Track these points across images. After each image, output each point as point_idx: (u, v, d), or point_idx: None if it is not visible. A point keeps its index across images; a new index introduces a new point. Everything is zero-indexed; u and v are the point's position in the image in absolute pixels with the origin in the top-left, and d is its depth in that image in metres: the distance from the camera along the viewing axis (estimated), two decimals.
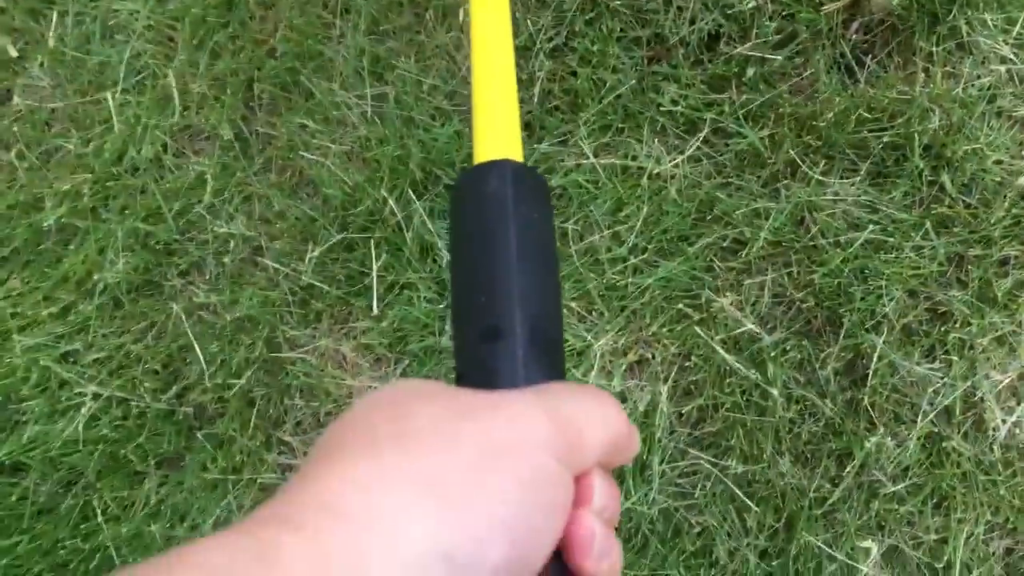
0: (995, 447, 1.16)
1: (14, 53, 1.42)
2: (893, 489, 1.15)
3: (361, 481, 0.32)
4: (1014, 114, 1.22)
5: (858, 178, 1.22)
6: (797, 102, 1.23)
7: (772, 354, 1.18)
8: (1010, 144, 1.21)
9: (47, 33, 1.42)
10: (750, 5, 1.23)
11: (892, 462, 1.16)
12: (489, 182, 0.44)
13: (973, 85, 1.23)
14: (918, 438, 1.16)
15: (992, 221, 1.17)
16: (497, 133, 0.47)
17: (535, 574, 0.34)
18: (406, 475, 0.33)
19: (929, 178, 1.20)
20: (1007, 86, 1.23)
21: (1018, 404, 1.17)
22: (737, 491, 1.17)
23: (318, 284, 1.28)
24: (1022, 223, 1.18)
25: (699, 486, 1.19)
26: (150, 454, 1.29)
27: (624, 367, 1.22)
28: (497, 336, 0.40)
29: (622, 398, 1.21)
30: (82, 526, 1.28)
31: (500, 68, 0.51)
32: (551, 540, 0.35)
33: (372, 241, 1.27)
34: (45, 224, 1.34)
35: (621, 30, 1.27)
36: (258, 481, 1.26)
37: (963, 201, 1.20)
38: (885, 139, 1.20)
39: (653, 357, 1.22)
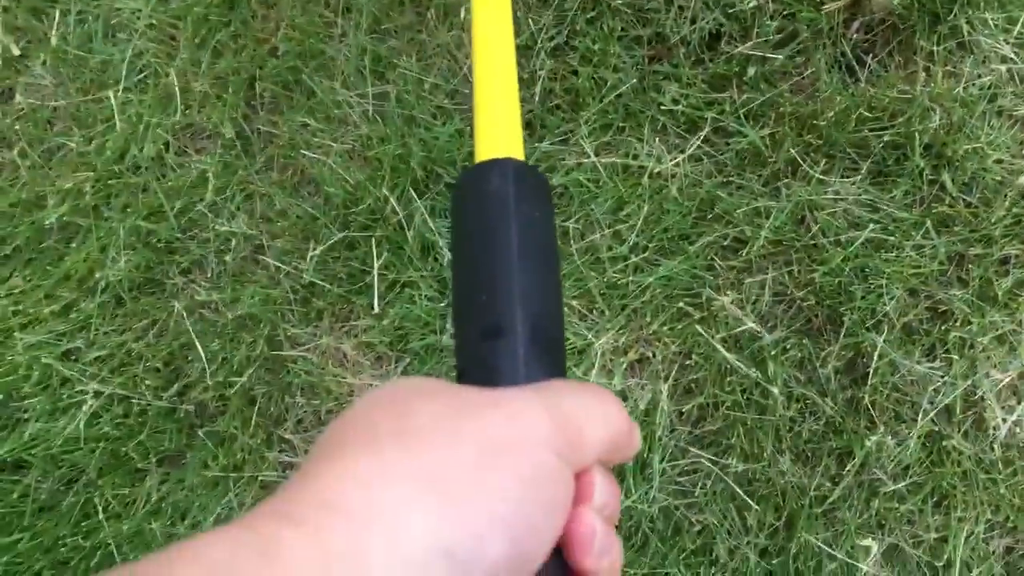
0: (995, 446, 1.16)
1: (16, 51, 1.42)
2: (893, 488, 1.16)
3: (362, 478, 0.33)
4: (1015, 113, 1.22)
5: (859, 177, 1.22)
6: (798, 101, 1.23)
7: (773, 353, 1.18)
8: (1011, 143, 1.21)
9: (49, 32, 1.42)
10: (751, 4, 1.23)
11: (892, 461, 1.16)
12: (491, 180, 0.44)
13: (974, 84, 1.23)
14: (918, 437, 1.16)
15: (993, 220, 1.17)
16: (498, 131, 0.47)
17: (535, 571, 0.34)
18: (407, 471, 0.33)
19: (930, 177, 1.20)
20: (1008, 85, 1.23)
21: (1018, 403, 1.17)
22: (737, 489, 1.17)
23: (319, 282, 1.28)
24: (1022, 222, 1.18)
25: (699, 484, 1.19)
26: (151, 452, 1.29)
27: (625, 365, 1.22)
28: (498, 334, 0.40)
29: (623, 396, 1.21)
30: (83, 524, 1.28)
31: (501, 67, 0.51)
32: (551, 537, 0.35)
33: (373, 239, 1.27)
34: (47, 222, 1.35)
35: (622, 29, 1.27)
36: (259, 479, 1.26)
37: (964, 200, 1.20)
38: (886, 138, 1.20)
39: (654, 355, 1.22)
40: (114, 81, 1.39)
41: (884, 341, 1.17)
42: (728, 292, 1.21)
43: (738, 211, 1.21)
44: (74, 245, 1.35)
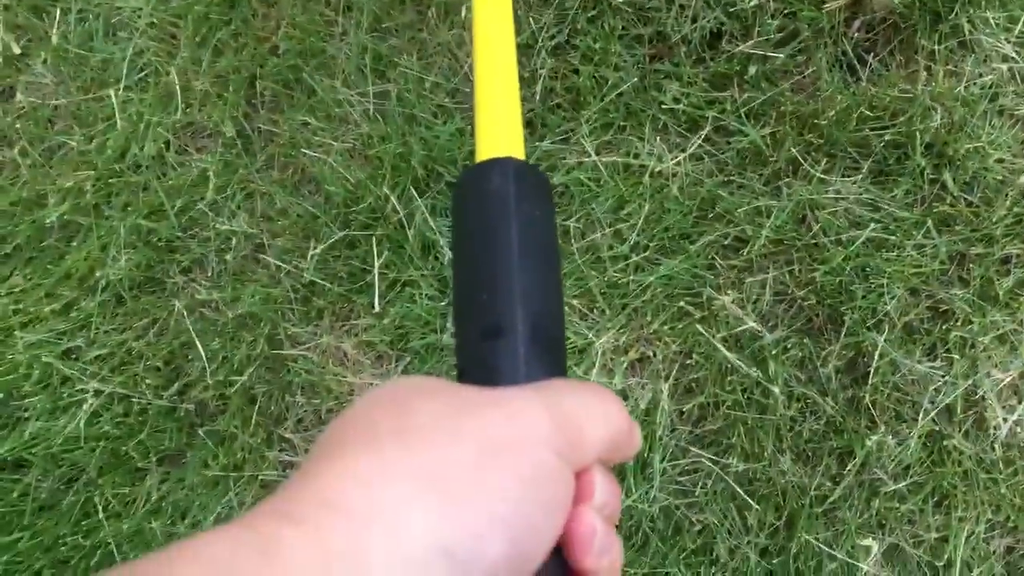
0: (996, 445, 1.16)
1: (17, 50, 1.42)
2: (894, 487, 1.16)
3: (362, 476, 0.33)
4: (1016, 112, 1.22)
5: (860, 176, 1.22)
6: (799, 100, 1.23)
7: (773, 352, 1.18)
8: (1012, 142, 1.21)
9: (50, 30, 1.42)
10: (752, 3, 1.23)
11: (893, 460, 1.16)
12: (491, 180, 0.44)
13: (975, 83, 1.23)
14: (919, 436, 1.16)
15: (994, 219, 1.17)
16: (499, 131, 0.47)
17: (535, 570, 0.34)
18: (407, 470, 0.33)
19: (931, 176, 1.20)
20: (1009, 84, 1.23)
21: (1019, 403, 1.17)
22: (738, 489, 1.17)
23: (320, 281, 1.28)
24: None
25: (700, 484, 1.19)
26: (151, 451, 1.29)
27: (625, 365, 1.22)
28: (499, 334, 0.40)
29: (623, 396, 1.21)
30: (83, 523, 1.28)
31: (502, 66, 0.51)
32: (551, 536, 0.35)
33: (374, 238, 1.27)
34: (48, 221, 1.35)
35: (623, 28, 1.27)
36: (259, 478, 1.26)
37: (965, 199, 1.20)
38: (887, 137, 1.20)
39: (654, 355, 1.22)
40: (115, 80, 1.39)
41: (885, 340, 1.17)
42: (729, 291, 1.21)
43: (739, 210, 1.21)
44: (75, 244, 1.35)
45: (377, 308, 1.27)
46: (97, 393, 1.30)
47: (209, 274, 1.33)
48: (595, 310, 1.23)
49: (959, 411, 1.16)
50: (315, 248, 1.29)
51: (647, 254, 1.22)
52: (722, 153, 1.24)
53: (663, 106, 1.25)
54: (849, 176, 1.22)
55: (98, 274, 1.32)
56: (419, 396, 0.36)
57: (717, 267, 1.22)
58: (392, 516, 0.31)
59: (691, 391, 1.21)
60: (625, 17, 1.26)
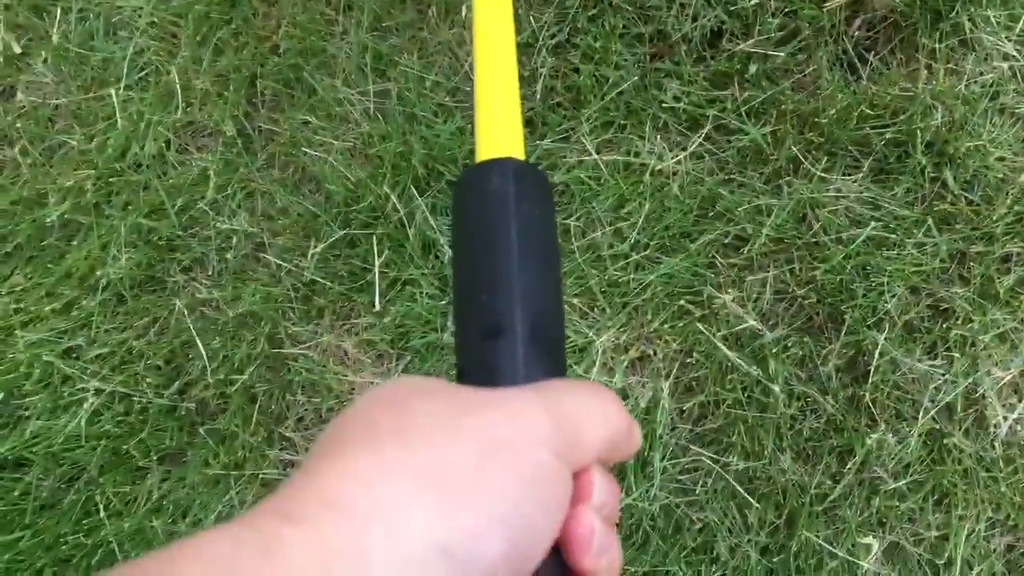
0: (996, 444, 1.16)
1: (18, 49, 1.43)
2: (894, 486, 1.16)
3: (362, 475, 0.33)
4: (1016, 111, 1.22)
5: (860, 175, 1.22)
6: (799, 99, 1.23)
7: (774, 350, 1.18)
8: (1012, 141, 1.21)
9: (51, 29, 1.42)
10: (753, 2, 1.23)
11: (893, 459, 1.16)
12: (491, 180, 0.44)
13: (976, 82, 1.23)
14: (919, 435, 1.16)
15: (994, 218, 1.17)
16: (499, 131, 0.47)
17: (533, 570, 0.34)
18: (407, 469, 0.33)
19: (931, 175, 1.20)
20: (1010, 83, 1.23)
21: (1019, 401, 1.17)
22: (738, 487, 1.17)
23: (320, 280, 1.28)
24: None
25: (700, 482, 1.19)
26: (152, 450, 1.29)
27: (626, 363, 1.22)
28: (498, 334, 0.40)
29: (623, 394, 1.21)
30: (84, 521, 1.28)
31: (502, 66, 0.51)
32: (549, 536, 0.35)
33: (374, 237, 1.27)
34: (48, 220, 1.35)
35: (624, 26, 1.27)
36: (260, 477, 1.27)
37: (965, 198, 1.20)
38: (887, 136, 1.20)
39: (655, 353, 1.22)
40: (115, 79, 1.39)
41: (885, 339, 1.17)
42: (729, 290, 1.21)
43: (739, 209, 1.21)
44: (75, 243, 1.35)
45: (378, 307, 1.27)
46: (98, 392, 1.30)
47: (210, 273, 1.33)
48: (595, 309, 1.23)
49: (959, 409, 1.16)
50: (316, 247, 1.29)
51: (647, 253, 1.22)
52: (723, 152, 1.24)
53: (664, 105, 1.25)
54: (850, 175, 1.22)
55: (99, 273, 1.33)
56: (419, 396, 0.36)
57: (717, 266, 1.22)
58: (392, 515, 0.31)
59: (691, 390, 1.22)
60: (626, 16, 1.26)
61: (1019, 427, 1.16)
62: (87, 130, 1.38)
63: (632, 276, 1.22)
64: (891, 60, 1.25)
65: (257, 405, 1.28)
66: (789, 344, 1.19)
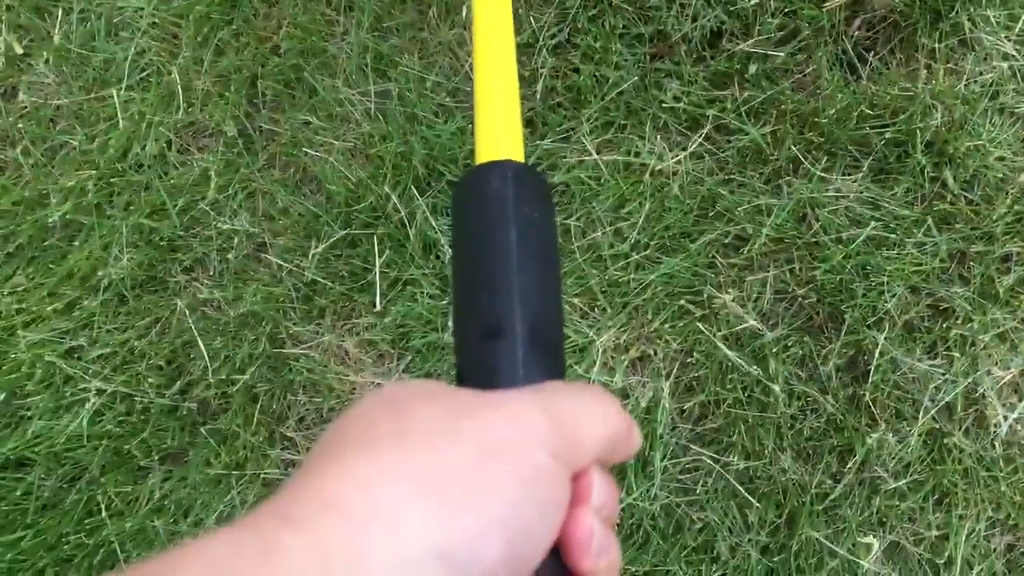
0: (996, 443, 1.16)
1: (20, 50, 1.43)
2: (894, 485, 1.16)
3: (361, 478, 0.33)
4: (1016, 111, 1.22)
5: (860, 175, 1.22)
6: (799, 99, 1.23)
7: (774, 350, 1.19)
8: (1012, 140, 1.21)
9: (52, 30, 1.42)
10: (752, 2, 1.23)
11: (893, 458, 1.16)
12: (490, 182, 0.45)
13: (975, 82, 1.23)
14: (919, 434, 1.16)
15: (994, 217, 1.17)
16: (498, 133, 0.47)
17: (532, 572, 0.34)
18: (406, 471, 0.33)
19: (931, 175, 1.20)
20: (1009, 83, 1.23)
21: (1020, 400, 1.17)
22: (739, 487, 1.18)
23: (321, 280, 1.28)
24: None
25: (701, 482, 1.19)
26: (154, 449, 1.29)
27: (626, 363, 1.22)
28: (497, 336, 0.41)
29: (624, 394, 1.22)
30: (86, 521, 1.28)
31: (502, 68, 0.51)
32: (548, 538, 0.35)
33: (375, 237, 1.28)
34: (50, 220, 1.35)
35: (624, 27, 1.27)
36: (261, 476, 1.27)
37: (965, 197, 1.20)
38: (887, 136, 1.20)
39: (655, 353, 1.22)
40: (117, 79, 1.39)
41: (885, 339, 1.17)
42: (729, 290, 1.22)
43: (739, 209, 1.21)
44: (77, 243, 1.35)
45: (378, 307, 1.27)
46: (100, 392, 1.30)
47: (211, 273, 1.33)
48: (596, 308, 1.23)
49: (959, 409, 1.16)
50: (316, 247, 1.29)
51: (648, 252, 1.23)
52: (722, 152, 1.25)
53: (664, 105, 1.25)
54: (849, 174, 1.22)
55: (100, 273, 1.33)
56: (418, 399, 0.36)
57: (718, 265, 1.22)
58: (391, 517, 0.31)
59: (692, 389, 1.22)
60: (626, 16, 1.27)
61: (1019, 427, 1.16)
62: (89, 130, 1.38)
63: (632, 276, 1.22)
64: (891, 60, 1.25)
65: (258, 405, 1.28)
66: (789, 344, 1.19)
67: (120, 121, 1.37)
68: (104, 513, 1.28)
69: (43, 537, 1.27)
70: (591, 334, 1.22)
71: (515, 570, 0.33)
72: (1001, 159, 1.20)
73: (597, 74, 1.26)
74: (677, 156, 1.25)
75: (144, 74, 1.40)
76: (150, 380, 1.30)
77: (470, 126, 1.28)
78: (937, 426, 1.16)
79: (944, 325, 1.18)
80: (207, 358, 1.29)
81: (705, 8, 1.25)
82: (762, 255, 1.22)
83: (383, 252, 1.27)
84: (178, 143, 1.37)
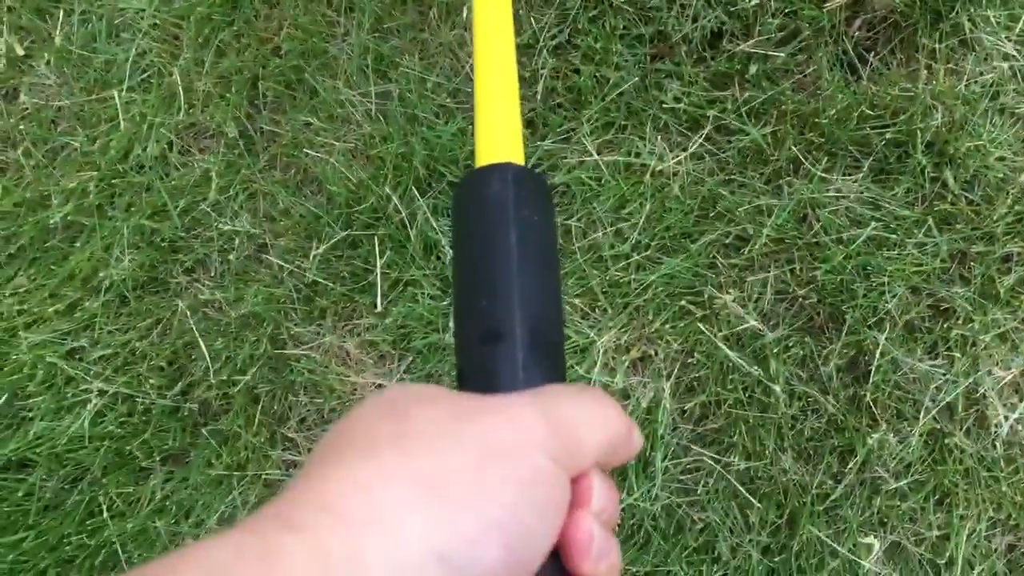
0: (997, 444, 1.16)
1: (21, 51, 1.43)
2: (895, 485, 1.16)
3: (361, 481, 0.33)
4: (1017, 111, 1.22)
5: (861, 175, 1.22)
6: (800, 99, 1.23)
7: (775, 351, 1.19)
8: (1013, 141, 1.21)
9: (53, 32, 1.43)
10: (753, 3, 1.23)
11: (894, 459, 1.16)
12: (490, 185, 0.45)
13: (976, 82, 1.23)
14: (920, 435, 1.16)
15: (995, 218, 1.18)
16: (498, 136, 0.48)
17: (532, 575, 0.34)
18: (406, 475, 0.33)
19: (932, 175, 1.20)
20: (1010, 83, 1.23)
21: (1020, 401, 1.17)
22: (740, 487, 1.18)
23: (322, 281, 1.28)
24: None
25: (702, 482, 1.19)
26: (155, 450, 1.29)
27: (627, 364, 1.22)
28: (497, 339, 0.41)
29: (625, 395, 1.22)
30: (88, 522, 1.28)
31: (502, 70, 0.51)
32: (548, 542, 0.35)
33: (376, 238, 1.28)
34: (51, 221, 1.35)
35: (624, 27, 1.27)
36: (263, 477, 1.27)
37: (966, 198, 1.20)
38: (888, 136, 1.20)
39: (656, 354, 1.22)
40: (118, 81, 1.39)
41: (886, 339, 1.17)
42: (730, 290, 1.22)
43: (740, 209, 1.21)
44: (78, 244, 1.35)
45: (379, 308, 1.27)
46: (101, 393, 1.30)
47: (212, 274, 1.33)
48: (597, 309, 1.23)
49: (960, 409, 1.16)
50: (317, 248, 1.29)
51: (648, 253, 1.23)
52: (723, 152, 1.25)
53: (664, 105, 1.25)
54: (850, 175, 1.22)
55: (102, 274, 1.33)
56: (418, 403, 0.36)
57: (718, 266, 1.22)
58: (390, 521, 0.32)
59: (693, 390, 1.22)
60: (626, 17, 1.27)
61: (1020, 427, 1.16)
62: (90, 132, 1.38)
63: (633, 276, 1.22)
64: (891, 60, 1.25)
65: (259, 406, 1.28)
66: (790, 344, 1.19)
67: (121, 122, 1.37)
68: (106, 514, 1.28)
69: (45, 538, 1.28)
70: (592, 335, 1.22)
71: (515, 573, 0.33)
72: (1002, 159, 1.20)
73: (598, 75, 1.26)
74: (678, 156, 1.25)
75: (145, 75, 1.40)
76: (151, 381, 1.30)
77: (471, 127, 1.28)
78: (938, 426, 1.17)
79: (945, 325, 1.18)
80: (208, 359, 1.29)
81: (705, 9, 1.25)
82: (763, 255, 1.22)
83: (384, 253, 1.27)
84: (179, 144, 1.37)
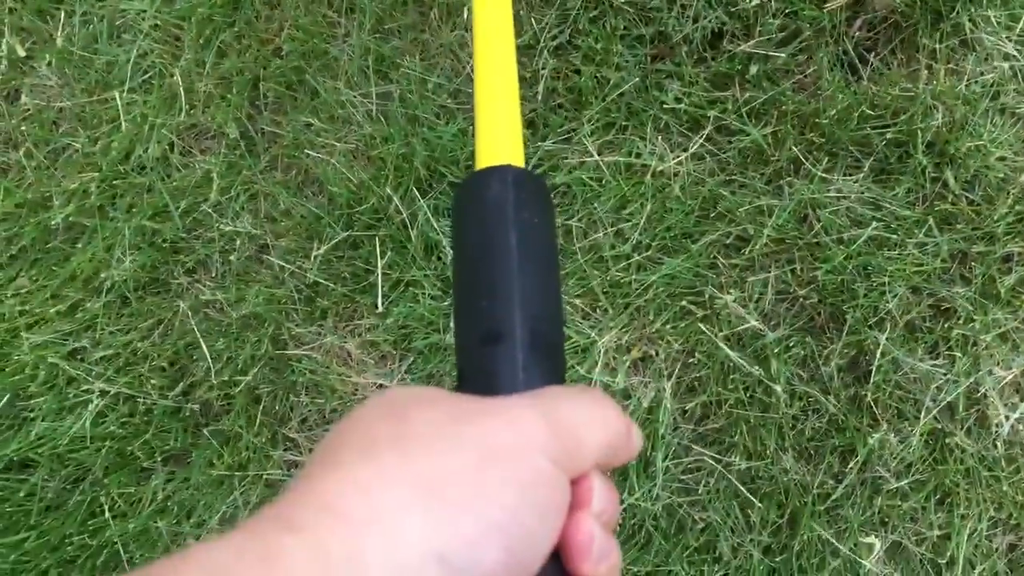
0: (998, 443, 1.16)
1: (22, 53, 1.43)
2: (896, 485, 1.16)
3: (361, 482, 0.33)
4: (1017, 111, 1.22)
5: (861, 175, 1.22)
6: (800, 99, 1.23)
7: (775, 351, 1.19)
8: (1013, 141, 1.21)
9: (55, 33, 1.43)
10: (753, 3, 1.23)
11: (895, 458, 1.16)
12: (490, 188, 0.45)
13: (976, 82, 1.23)
14: (921, 434, 1.16)
15: (995, 218, 1.18)
16: (498, 138, 0.48)
17: None
18: (405, 476, 0.33)
19: (932, 175, 1.20)
20: (1010, 83, 1.23)
21: (1021, 400, 1.17)
22: (741, 487, 1.18)
23: (323, 282, 1.28)
24: None
25: (703, 482, 1.19)
26: (157, 451, 1.30)
27: (628, 364, 1.22)
28: (497, 340, 0.41)
29: (626, 395, 1.22)
30: (89, 522, 1.29)
31: (502, 72, 0.51)
32: (548, 543, 0.35)
33: (377, 239, 1.28)
34: (53, 222, 1.35)
35: (625, 28, 1.27)
36: (264, 477, 1.27)
37: (966, 198, 1.20)
38: (888, 136, 1.20)
39: (657, 354, 1.22)
40: (119, 82, 1.39)
41: (887, 339, 1.17)
42: (731, 290, 1.22)
43: (741, 209, 1.22)
44: (80, 245, 1.35)
45: (380, 308, 1.27)
46: (103, 393, 1.31)
47: (213, 275, 1.34)
48: (598, 309, 1.23)
49: (961, 409, 1.16)
50: (318, 249, 1.29)
51: (649, 253, 1.23)
52: (724, 152, 1.25)
53: (665, 106, 1.25)
54: (850, 175, 1.22)
55: (103, 275, 1.33)
56: (418, 405, 0.36)
57: (719, 266, 1.22)
58: (390, 522, 0.32)
59: (693, 390, 1.22)
60: (627, 17, 1.27)
61: (1021, 426, 1.16)
62: (91, 133, 1.38)
63: (634, 277, 1.22)
64: (892, 60, 1.25)
65: (261, 406, 1.28)
66: (791, 344, 1.19)
67: (122, 123, 1.37)
68: (107, 514, 1.28)
69: (46, 538, 1.28)
70: (593, 335, 1.22)
71: (515, 575, 0.33)
72: (1002, 159, 1.20)
73: (598, 75, 1.26)
74: (678, 157, 1.25)
75: (146, 76, 1.40)
76: (153, 382, 1.30)
77: (471, 128, 1.28)
78: (939, 426, 1.17)
79: (946, 325, 1.18)
80: (209, 359, 1.29)
81: (706, 9, 1.25)
82: (763, 256, 1.22)
83: (385, 253, 1.27)
84: (180, 145, 1.37)
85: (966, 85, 1.22)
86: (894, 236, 1.19)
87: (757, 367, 1.19)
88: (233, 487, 1.28)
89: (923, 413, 1.16)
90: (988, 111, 1.22)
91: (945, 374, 1.17)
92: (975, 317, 1.17)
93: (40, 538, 1.28)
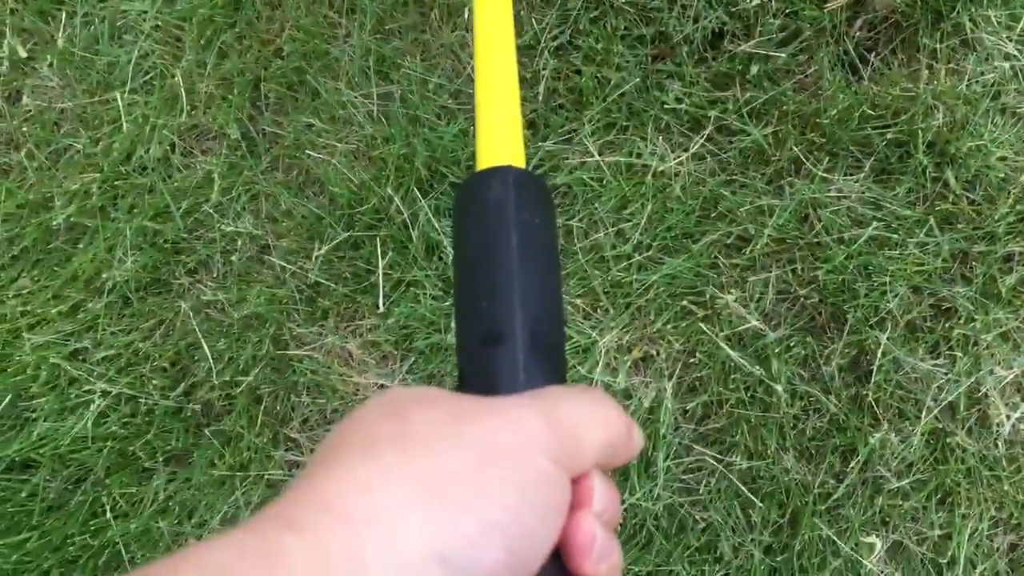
0: (999, 443, 1.16)
1: (24, 54, 1.43)
2: (897, 485, 1.16)
3: (362, 481, 0.33)
4: (1018, 110, 1.22)
5: (862, 175, 1.22)
6: (801, 99, 1.23)
7: (776, 350, 1.19)
8: (1014, 140, 1.21)
9: (56, 34, 1.43)
10: (754, 3, 1.23)
11: (896, 458, 1.16)
12: (491, 188, 0.45)
13: (977, 82, 1.23)
14: (922, 434, 1.16)
15: (996, 217, 1.18)
16: (499, 139, 0.48)
17: None
18: (406, 476, 0.33)
19: (933, 175, 1.20)
20: (1011, 83, 1.23)
21: (1022, 400, 1.17)
22: (742, 487, 1.18)
23: (324, 282, 1.29)
24: None
25: (704, 482, 1.20)
26: (158, 451, 1.30)
27: (629, 364, 1.22)
28: (498, 341, 0.41)
29: (627, 395, 1.22)
30: (91, 522, 1.29)
31: (503, 73, 0.51)
32: (548, 543, 0.35)
33: (378, 239, 1.28)
34: (54, 223, 1.35)
35: (625, 28, 1.27)
36: (265, 477, 1.27)
37: (967, 197, 1.20)
38: (889, 136, 1.20)
39: (658, 354, 1.22)
40: (120, 82, 1.39)
41: (888, 339, 1.17)
42: (732, 290, 1.22)
43: (741, 209, 1.22)
44: (81, 246, 1.36)
45: (381, 308, 1.27)
46: (104, 394, 1.31)
47: (215, 275, 1.34)
48: (598, 309, 1.24)
49: (962, 409, 1.16)
50: (320, 249, 1.29)
51: (650, 253, 1.23)
52: (724, 152, 1.25)
53: (665, 106, 1.25)
54: (851, 175, 1.22)
55: (105, 276, 1.33)
56: (419, 405, 0.37)
57: (720, 266, 1.22)
58: (390, 521, 0.32)
59: (694, 389, 1.22)
60: (627, 17, 1.27)
61: (1022, 426, 1.16)
62: (92, 134, 1.39)
63: (635, 277, 1.22)
64: (892, 60, 1.25)
65: (262, 406, 1.28)
66: (792, 344, 1.19)
67: (124, 124, 1.37)
68: (109, 514, 1.28)
69: (48, 538, 1.28)
70: (594, 335, 1.22)
71: (516, 574, 0.33)
72: (1003, 159, 1.20)
73: (599, 76, 1.27)
74: (679, 157, 1.25)
75: (148, 77, 1.40)
76: (154, 382, 1.30)
77: (472, 128, 1.28)
78: (940, 426, 1.17)
79: (946, 325, 1.18)
80: (211, 360, 1.29)
81: (706, 9, 1.25)
82: (764, 255, 1.22)
83: (386, 254, 1.28)
84: (182, 146, 1.37)
85: (967, 85, 1.22)
86: (895, 236, 1.19)
87: (758, 367, 1.19)
88: (234, 487, 1.28)
89: (924, 413, 1.16)
90: (989, 111, 1.22)
91: (946, 374, 1.17)
92: (976, 317, 1.17)
93: (42, 538, 1.28)
